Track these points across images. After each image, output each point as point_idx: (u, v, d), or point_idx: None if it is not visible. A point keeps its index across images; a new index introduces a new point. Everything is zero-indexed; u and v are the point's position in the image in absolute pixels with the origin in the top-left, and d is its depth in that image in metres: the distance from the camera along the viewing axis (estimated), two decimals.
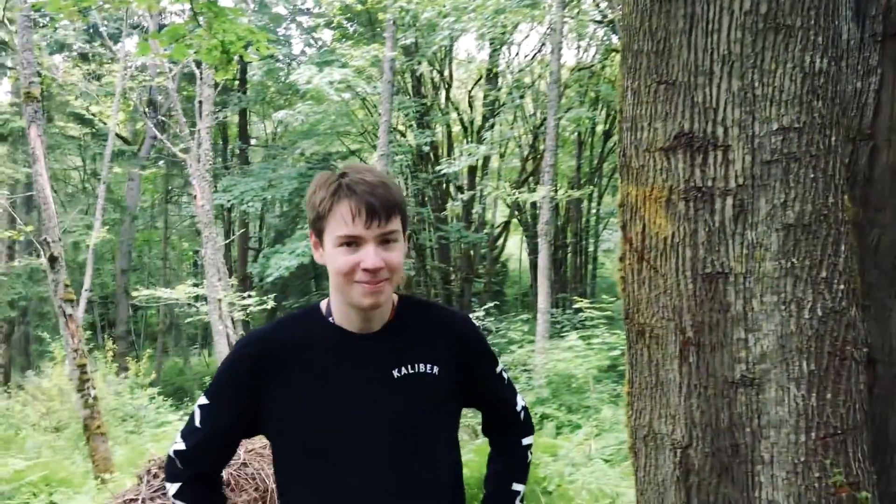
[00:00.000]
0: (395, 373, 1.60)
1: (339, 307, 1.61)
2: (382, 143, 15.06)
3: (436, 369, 1.64)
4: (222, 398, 1.62)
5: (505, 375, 1.83)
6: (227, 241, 20.07)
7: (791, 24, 1.90)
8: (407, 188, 21.94)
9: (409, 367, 1.62)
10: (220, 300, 12.92)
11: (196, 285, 15.33)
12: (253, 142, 26.02)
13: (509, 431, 1.87)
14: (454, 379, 1.68)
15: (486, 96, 22.22)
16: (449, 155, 23.70)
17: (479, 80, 23.85)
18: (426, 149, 21.53)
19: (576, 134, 23.76)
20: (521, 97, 21.16)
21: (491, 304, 17.13)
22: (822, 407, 1.98)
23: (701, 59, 1.92)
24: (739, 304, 1.97)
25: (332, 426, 1.56)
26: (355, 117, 21.74)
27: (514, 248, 34.10)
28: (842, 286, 1.98)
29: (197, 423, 1.63)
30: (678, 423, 2.05)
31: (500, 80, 22.59)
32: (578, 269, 27.32)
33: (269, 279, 17.60)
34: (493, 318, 18.46)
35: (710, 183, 1.95)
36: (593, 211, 26.05)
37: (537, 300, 15.91)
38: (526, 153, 25.33)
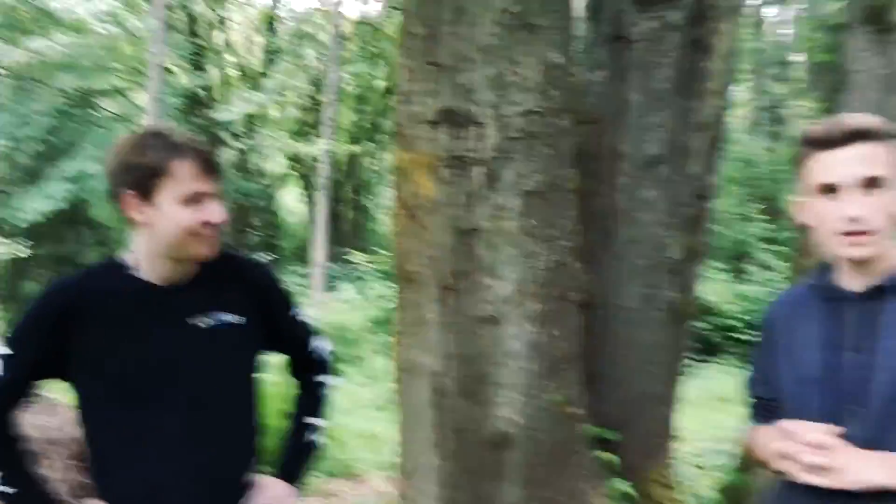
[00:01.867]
0: (200, 323, 1.68)
1: (149, 261, 1.66)
2: (154, 84, 14.27)
3: (243, 319, 1.73)
4: (27, 344, 1.66)
5: (301, 318, 1.93)
6: None
7: (537, 23, 2.28)
8: None
9: (214, 316, 1.69)
10: None
11: None
12: (1, 72, 23.31)
13: (308, 371, 1.97)
14: (257, 326, 1.77)
15: (265, 43, 21.64)
16: (225, 100, 22.87)
17: (259, 24, 23.16)
18: (201, 92, 20.62)
19: (357, 88, 23.93)
20: (301, 47, 20.90)
21: (267, 258, 17.03)
22: (548, 341, 2.44)
23: (463, 48, 2.26)
24: (487, 255, 2.36)
25: (137, 372, 1.64)
26: (122, 53, 20.22)
27: (293, 200, 33.78)
28: (568, 243, 2.44)
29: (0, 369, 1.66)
30: (435, 355, 2.42)
31: (280, 27, 22.11)
32: (357, 224, 27.69)
33: (21, 224, 16.10)
34: None
35: (467, 153, 2.31)
36: (373, 167, 26.46)
37: (314, 254, 16.09)
38: (306, 104, 25.11)
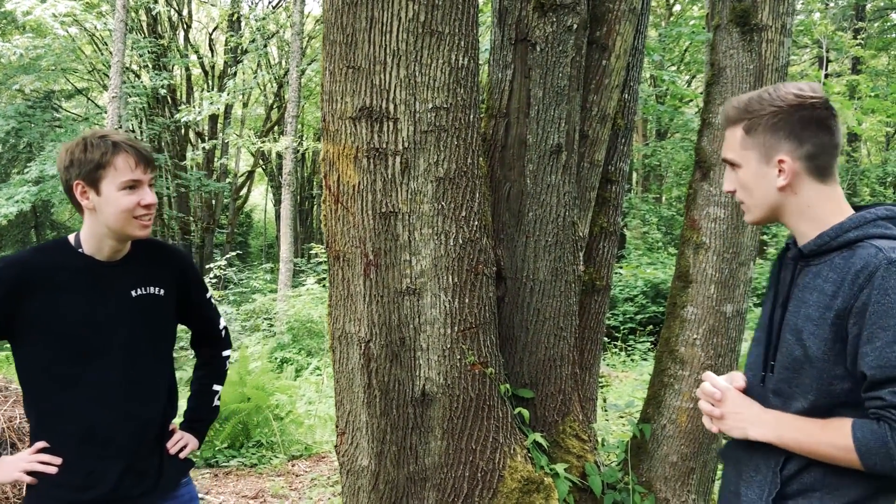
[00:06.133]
0: (133, 293, 2.08)
1: (95, 240, 2.02)
2: (115, 84, 14.35)
3: (162, 291, 2.14)
4: None
5: (213, 301, 2.39)
6: None
7: (442, 30, 2.60)
8: (142, 132, 20.95)
9: (144, 288, 2.10)
10: None
11: None
12: None
13: (212, 345, 2.42)
14: (174, 300, 2.19)
15: (227, 41, 21.68)
16: (188, 99, 22.87)
17: (221, 23, 23.20)
18: (163, 92, 20.65)
19: (321, 85, 24.02)
20: (265, 45, 21.00)
21: (233, 254, 17.16)
22: (462, 309, 2.76)
23: (378, 52, 2.56)
24: (405, 234, 2.67)
25: (81, 333, 1.99)
26: (82, 54, 20.20)
27: (260, 198, 33.77)
28: (476, 223, 2.76)
29: None
30: (362, 324, 2.74)
31: (243, 25, 22.18)
32: None
33: None
34: (235, 269, 18.46)
35: (384, 145, 2.62)
36: None
37: (280, 250, 16.27)
38: (271, 102, 25.19)
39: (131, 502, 2.06)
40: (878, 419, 1.48)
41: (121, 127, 14.34)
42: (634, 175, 20.94)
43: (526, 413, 3.03)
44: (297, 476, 5.89)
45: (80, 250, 2.05)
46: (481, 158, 2.82)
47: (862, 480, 1.55)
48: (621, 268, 13.14)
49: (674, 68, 19.03)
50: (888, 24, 20.59)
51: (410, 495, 2.84)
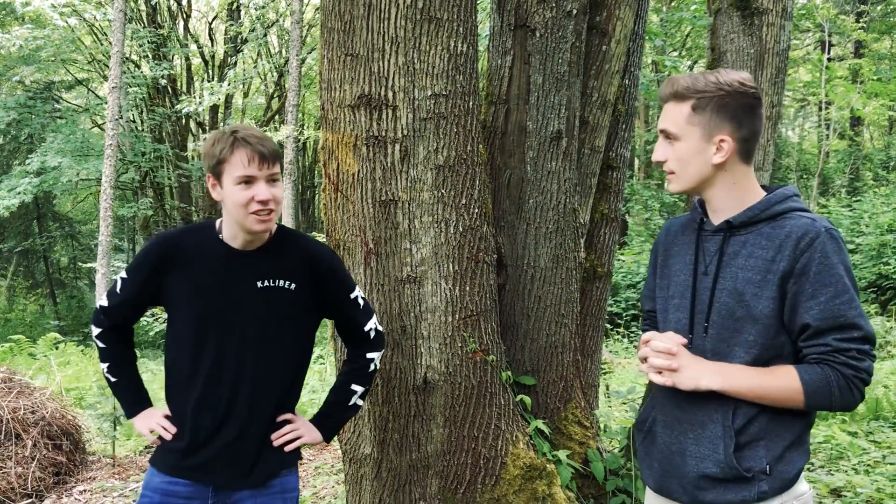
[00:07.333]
0: (259, 283, 2.13)
1: (229, 228, 2.12)
2: (115, 75, 14.31)
3: (293, 286, 2.17)
4: (135, 276, 2.16)
5: (360, 301, 2.33)
6: None
7: (440, 16, 2.58)
8: (142, 123, 20.92)
9: (271, 280, 2.15)
10: None
11: None
12: None
13: (358, 345, 2.38)
14: (308, 296, 2.20)
15: (227, 31, 21.60)
16: (189, 89, 22.81)
17: (220, 12, 23.10)
18: (163, 82, 20.60)
19: (319, 74, 23.91)
20: (265, 34, 20.92)
21: None
22: (463, 296, 2.76)
23: (376, 39, 2.55)
24: (406, 223, 2.67)
25: (207, 314, 2.11)
26: (82, 44, 20.13)
27: None
28: (476, 210, 2.75)
29: (118, 289, 2.19)
30: None
31: (242, 14, 22.08)
32: None
33: None
34: None
35: (383, 133, 2.61)
36: None
37: None
38: (271, 91, 25.13)
39: (223, 485, 2.13)
40: (818, 362, 1.71)
41: (121, 117, 14.32)
42: (636, 161, 20.89)
43: (528, 400, 3.03)
44: (300, 464, 5.92)
45: (220, 236, 2.15)
46: (481, 145, 2.80)
47: (796, 424, 1.77)
48: (623, 254, 13.12)
49: (675, 53, 18.95)
50: (891, 7, 20.46)
51: (413, 483, 2.85)
